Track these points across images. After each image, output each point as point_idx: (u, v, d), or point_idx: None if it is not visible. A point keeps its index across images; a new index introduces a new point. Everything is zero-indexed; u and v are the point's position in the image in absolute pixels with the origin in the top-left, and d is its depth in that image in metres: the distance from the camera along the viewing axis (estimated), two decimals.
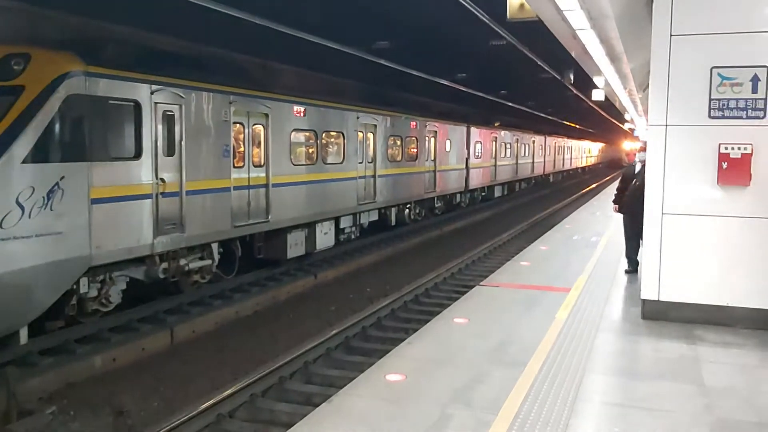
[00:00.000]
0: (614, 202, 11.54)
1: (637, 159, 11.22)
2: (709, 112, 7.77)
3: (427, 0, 15.02)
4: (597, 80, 18.03)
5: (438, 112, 25.49)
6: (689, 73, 7.81)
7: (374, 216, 19.09)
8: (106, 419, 7.78)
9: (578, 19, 9.12)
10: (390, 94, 23.67)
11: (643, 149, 10.24)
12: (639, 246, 10.47)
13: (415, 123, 21.19)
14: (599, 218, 19.41)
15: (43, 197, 8.48)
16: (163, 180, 10.42)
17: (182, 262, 11.25)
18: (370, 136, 18.05)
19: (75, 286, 9.31)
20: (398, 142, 19.95)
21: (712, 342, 7.38)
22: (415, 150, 21.32)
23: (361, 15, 16.68)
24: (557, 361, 6.61)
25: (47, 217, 8.51)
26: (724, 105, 7.73)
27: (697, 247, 7.93)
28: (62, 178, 8.74)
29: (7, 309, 8.34)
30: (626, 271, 10.92)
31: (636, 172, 10.78)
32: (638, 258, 10.66)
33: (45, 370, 8.66)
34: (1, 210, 8.05)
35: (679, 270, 7.96)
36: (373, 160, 18.15)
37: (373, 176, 18.15)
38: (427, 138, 22.26)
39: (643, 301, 8.18)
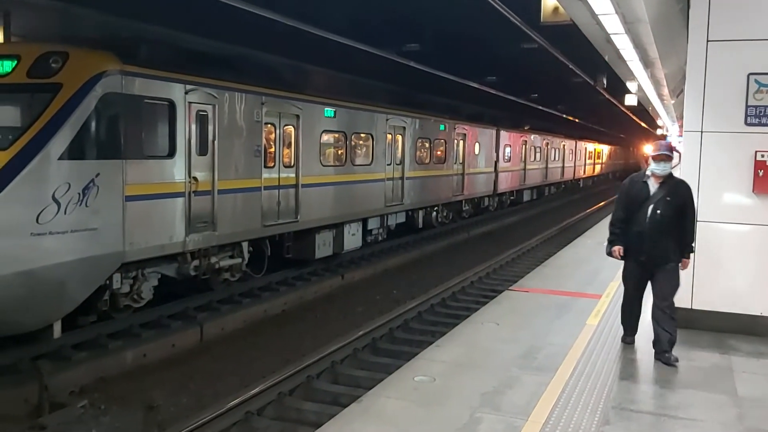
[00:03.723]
0: (611, 241, 7.15)
1: (650, 170, 6.94)
2: (746, 119, 7.69)
3: (457, 2, 14.99)
4: (630, 85, 17.86)
5: (467, 115, 25.42)
6: (726, 80, 7.73)
7: (402, 218, 19.10)
8: (136, 414, 7.87)
9: (613, 24, 9.07)
10: (419, 96, 23.68)
11: (665, 157, 6.80)
12: (639, 308, 7.32)
13: (443, 125, 21.16)
14: None
15: (79, 194, 8.61)
16: (195, 179, 10.52)
17: (213, 260, 11.36)
18: (399, 138, 18.06)
19: (108, 282, 9.43)
20: (427, 145, 19.94)
21: (745, 352, 7.29)
22: (444, 152, 21.28)
23: (391, 17, 16.71)
24: (588, 368, 6.57)
25: (82, 214, 8.64)
26: (761, 112, 7.64)
27: (732, 255, 7.82)
28: (97, 175, 8.87)
29: (42, 303, 8.49)
30: (625, 341, 7.48)
31: (652, 193, 6.88)
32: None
33: (77, 363, 8.78)
34: (38, 205, 8.19)
35: (713, 278, 7.86)
36: (402, 162, 18.16)
37: (401, 178, 18.16)
38: (455, 141, 22.21)
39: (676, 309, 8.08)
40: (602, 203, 36.03)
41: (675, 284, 6.91)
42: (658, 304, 6.88)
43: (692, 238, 6.98)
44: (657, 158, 6.83)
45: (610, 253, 7.18)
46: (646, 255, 6.87)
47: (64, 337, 9.20)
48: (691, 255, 7.05)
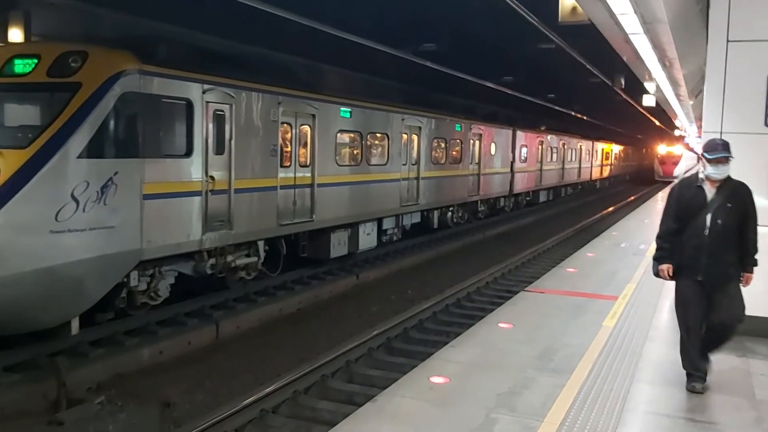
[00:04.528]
0: (659, 258, 6.13)
1: (703, 173, 6.03)
2: (766, 120, 7.61)
3: (474, 2, 14.96)
4: (648, 86, 17.75)
5: (483, 115, 25.36)
6: (746, 80, 7.66)
7: (417, 218, 19.09)
8: (152, 411, 7.93)
9: (631, 24, 9.02)
10: (435, 96, 23.66)
11: (724, 160, 5.85)
12: (716, 343, 6.09)
13: (459, 125, 21.12)
14: (648, 226, 19.09)
15: (97, 192, 8.69)
16: (212, 178, 10.57)
17: (229, 258, 11.42)
18: (415, 138, 18.05)
19: (125, 279, 9.51)
20: (442, 145, 19.91)
21: (763, 355, 7.23)
22: (459, 153, 21.25)
23: (408, 17, 16.72)
24: (605, 370, 6.53)
25: (101, 212, 8.72)
26: None
27: None
28: (116, 173, 8.94)
29: (61, 300, 8.58)
30: (693, 389, 6.03)
31: (709, 199, 5.90)
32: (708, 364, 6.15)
33: (94, 360, 8.88)
34: (57, 203, 8.28)
35: None
36: (417, 162, 18.15)
37: (417, 178, 18.14)
38: (471, 141, 22.16)
39: None
40: (619, 204, 35.81)
41: (739, 307, 5.90)
42: (714, 328, 5.95)
43: (755, 249, 5.98)
44: (715, 162, 5.84)
45: (657, 273, 6.16)
46: (704, 273, 5.87)
47: (82, 334, 9.28)
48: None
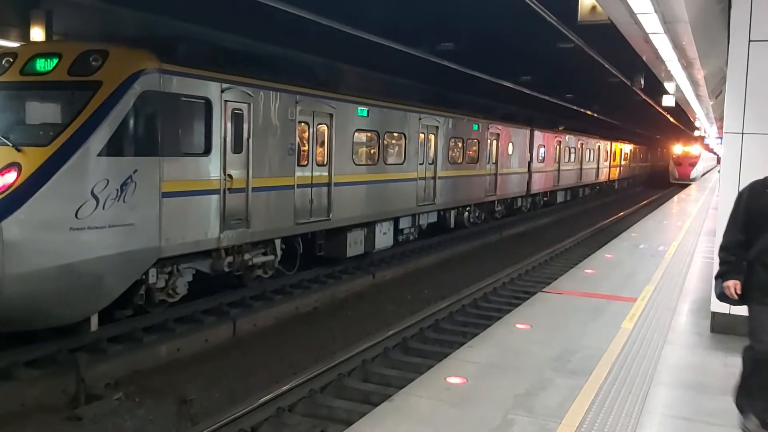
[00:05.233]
0: (725, 273, 5.20)
1: None
2: None
3: (493, 1, 14.91)
4: (668, 86, 17.60)
5: (501, 115, 25.26)
6: None
7: (433, 218, 19.06)
8: (169, 407, 7.98)
9: (652, 23, 8.95)
10: (452, 95, 23.61)
11: None
12: None
13: (477, 125, 21.05)
14: (667, 227, 18.95)
15: (117, 189, 8.75)
16: (230, 176, 10.62)
17: (246, 256, 11.47)
18: (432, 137, 18.02)
19: (144, 277, 9.58)
20: (459, 144, 19.86)
21: None
22: (477, 152, 21.18)
23: (426, 16, 16.69)
24: (623, 372, 6.48)
25: (120, 209, 8.78)
26: None
27: None
28: (135, 171, 9.00)
29: (80, 296, 8.65)
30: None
31: None
32: None
33: (113, 356, 8.97)
34: (77, 201, 8.35)
35: None
36: (434, 161, 18.12)
37: (434, 178, 18.11)
38: (488, 140, 22.09)
39: (713, 314, 7.94)
40: (638, 205, 35.54)
41: None
42: None
43: None
44: None
45: (722, 293, 5.24)
46: None
47: (101, 331, 9.37)
48: None
